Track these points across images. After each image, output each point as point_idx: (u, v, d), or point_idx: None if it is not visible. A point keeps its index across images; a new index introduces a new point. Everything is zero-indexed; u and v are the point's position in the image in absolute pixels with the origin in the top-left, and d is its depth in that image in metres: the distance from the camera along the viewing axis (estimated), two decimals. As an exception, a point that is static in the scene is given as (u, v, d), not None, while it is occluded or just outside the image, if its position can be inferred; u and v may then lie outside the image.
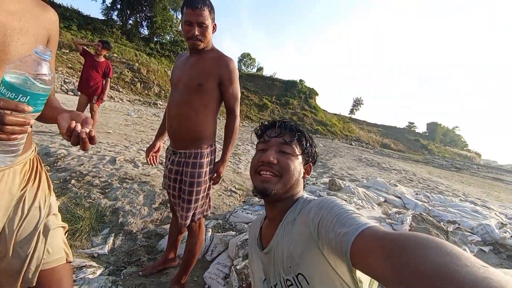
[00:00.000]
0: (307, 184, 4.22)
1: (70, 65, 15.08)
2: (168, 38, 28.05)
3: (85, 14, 22.87)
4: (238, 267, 1.60)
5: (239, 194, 3.43)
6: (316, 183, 4.38)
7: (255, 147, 0.88)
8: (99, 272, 1.58)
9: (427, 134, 74.69)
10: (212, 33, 1.36)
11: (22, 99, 0.54)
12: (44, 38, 0.74)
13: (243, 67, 44.35)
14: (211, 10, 1.30)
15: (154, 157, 1.65)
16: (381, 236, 0.45)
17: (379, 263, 0.42)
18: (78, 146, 0.63)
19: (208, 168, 1.41)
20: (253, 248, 0.89)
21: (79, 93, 4.51)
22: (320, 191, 3.74)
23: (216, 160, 1.49)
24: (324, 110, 38.93)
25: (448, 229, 2.77)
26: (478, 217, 3.30)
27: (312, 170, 0.88)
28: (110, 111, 9.36)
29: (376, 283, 0.67)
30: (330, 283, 0.59)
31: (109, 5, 25.33)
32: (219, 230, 2.27)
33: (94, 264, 1.64)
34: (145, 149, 4.08)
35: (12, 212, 0.73)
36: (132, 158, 3.75)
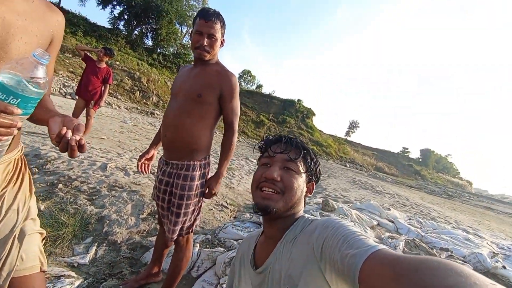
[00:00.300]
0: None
1: (71, 69, 15.14)
2: (171, 50, 28.51)
3: (92, 22, 23.25)
4: (224, 285, 1.53)
5: (230, 210, 3.35)
6: (309, 203, 4.33)
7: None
8: (77, 283, 1.50)
9: (420, 160, 75.49)
10: (220, 47, 1.38)
11: (13, 101, 0.52)
12: (47, 39, 0.74)
13: (243, 84, 45.05)
14: (223, 25, 1.34)
15: (146, 165, 1.59)
16: (392, 259, 0.44)
17: (390, 286, 0.40)
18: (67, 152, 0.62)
19: (200, 181, 1.37)
20: (245, 266, 0.85)
21: (77, 97, 4.50)
22: (313, 211, 3.69)
23: (210, 175, 1.45)
24: (320, 131, 39.36)
25: (441, 257, 2.73)
26: (470, 245, 3.27)
27: (314, 189, 0.85)
28: (106, 117, 9.30)
29: None
30: None
31: (116, 15, 25.88)
32: (207, 246, 2.20)
33: (73, 274, 1.55)
34: (137, 157, 4.03)
35: None
36: (124, 166, 3.68)
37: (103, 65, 4.46)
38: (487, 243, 3.70)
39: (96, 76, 4.37)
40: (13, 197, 0.74)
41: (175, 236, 1.35)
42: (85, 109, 4.48)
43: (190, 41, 1.42)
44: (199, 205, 1.42)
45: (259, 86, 46.92)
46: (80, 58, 4.50)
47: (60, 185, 2.60)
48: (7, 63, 0.54)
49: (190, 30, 1.39)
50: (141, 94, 19.10)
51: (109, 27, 25.18)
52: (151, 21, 26.54)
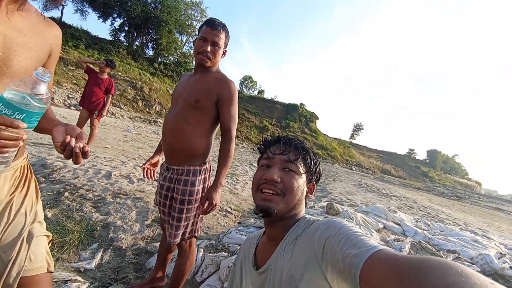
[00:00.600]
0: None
1: (75, 81, 15.42)
2: (172, 59, 28.84)
3: (93, 35, 23.71)
4: (228, 289, 1.53)
5: (234, 215, 3.36)
6: (314, 207, 4.31)
7: (254, 167, 0.87)
8: (83, 287, 1.52)
9: (427, 161, 74.56)
10: (222, 57, 1.41)
11: (18, 116, 0.57)
12: (46, 53, 0.78)
13: (245, 89, 45.10)
14: (227, 36, 1.39)
15: (152, 171, 1.60)
16: (393, 259, 0.44)
17: (392, 286, 0.41)
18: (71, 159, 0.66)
19: (201, 186, 1.38)
20: (246, 266, 0.84)
21: (81, 108, 4.59)
22: (318, 214, 3.67)
23: (211, 180, 1.44)
24: (324, 134, 39.12)
25: (448, 259, 2.69)
26: (478, 246, 3.22)
27: (315, 189, 0.85)
28: (110, 126, 9.43)
29: None
30: None
31: (117, 27, 26.37)
32: (211, 251, 2.20)
33: (79, 279, 1.57)
34: (141, 165, 4.07)
35: None
36: (128, 174, 3.72)
37: (105, 76, 4.56)
38: (495, 244, 3.63)
39: (98, 87, 4.46)
40: (21, 202, 0.78)
41: (176, 241, 1.35)
42: (89, 119, 4.57)
43: (190, 49, 1.43)
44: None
45: (261, 91, 46.91)
46: (83, 70, 4.62)
47: (66, 193, 2.64)
48: (11, 81, 0.58)
49: (191, 39, 1.43)
50: (143, 103, 19.31)
51: (110, 39, 25.66)
52: (151, 31, 27.01)
